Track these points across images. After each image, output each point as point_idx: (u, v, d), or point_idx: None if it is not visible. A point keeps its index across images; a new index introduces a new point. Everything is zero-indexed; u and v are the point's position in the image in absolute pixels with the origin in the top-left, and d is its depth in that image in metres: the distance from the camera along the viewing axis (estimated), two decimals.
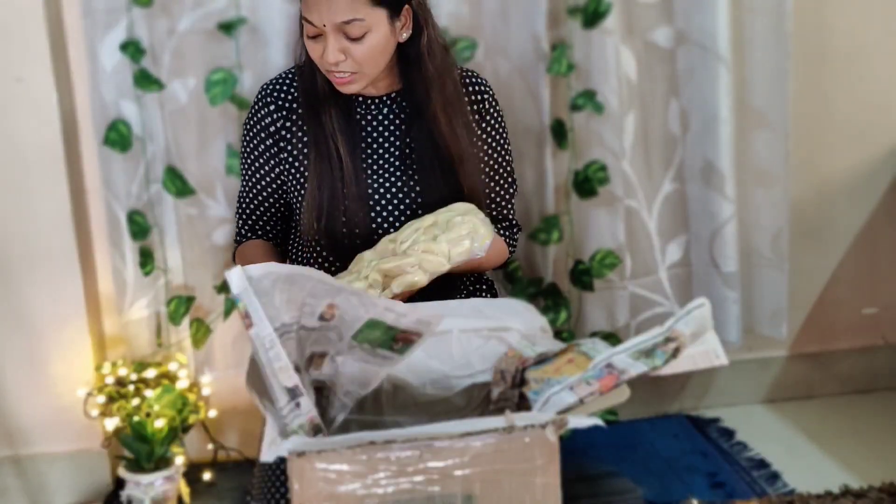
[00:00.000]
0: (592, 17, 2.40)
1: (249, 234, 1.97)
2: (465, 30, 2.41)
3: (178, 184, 2.39)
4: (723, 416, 2.78)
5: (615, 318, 2.60)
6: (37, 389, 2.40)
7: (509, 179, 1.99)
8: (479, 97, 1.91)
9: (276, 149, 1.86)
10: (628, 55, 2.49)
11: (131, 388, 2.28)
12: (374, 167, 1.85)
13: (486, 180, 1.94)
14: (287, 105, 1.85)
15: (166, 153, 2.39)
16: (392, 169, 1.85)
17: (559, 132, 2.48)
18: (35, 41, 2.27)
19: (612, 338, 2.54)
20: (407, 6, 1.76)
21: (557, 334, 2.54)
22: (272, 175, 1.89)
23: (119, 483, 2.39)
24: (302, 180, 1.85)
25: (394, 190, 1.85)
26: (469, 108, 1.89)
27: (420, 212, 1.84)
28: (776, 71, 2.53)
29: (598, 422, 1.32)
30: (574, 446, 2.44)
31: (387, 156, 1.86)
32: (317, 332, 1.45)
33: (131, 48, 2.31)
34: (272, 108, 1.85)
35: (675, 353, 1.37)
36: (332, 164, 1.81)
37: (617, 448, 2.60)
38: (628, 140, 2.51)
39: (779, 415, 2.80)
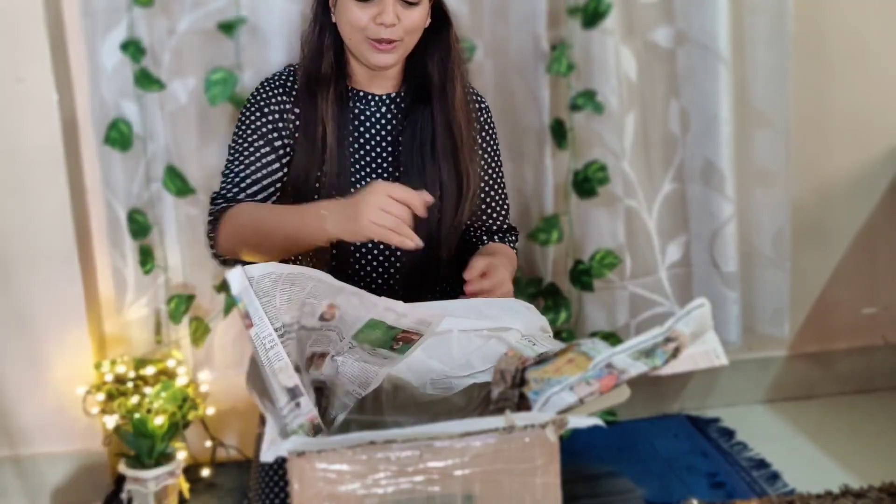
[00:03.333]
0: (592, 17, 2.40)
1: (240, 198, 1.78)
2: (465, 30, 2.41)
3: (178, 183, 2.39)
4: (723, 416, 2.78)
5: (615, 318, 2.60)
6: (37, 389, 2.40)
7: (504, 190, 2.01)
8: (477, 108, 1.94)
9: (280, 125, 1.83)
10: (628, 55, 2.49)
11: (130, 385, 2.28)
12: (361, 163, 1.85)
13: (483, 196, 1.97)
14: (293, 92, 1.84)
15: (166, 152, 2.39)
16: (379, 170, 1.85)
17: (559, 132, 2.48)
18: (35, 41, 2.27)
19: (612, 338, 2.54)
20: None
21: (557, 334, 2.54)
22: (273, 154, 1.81)
23: (119, 483, 2.39)
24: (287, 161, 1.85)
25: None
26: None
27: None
28: (776, 71, 2.53)
29: (599, 422, 1.32)
30: (574, 446, 2.44)
31: (374, 154, 1.86)
32: (317, 333, 1.45)
33: (131, 48, 2.31)
34: (279, 91, 1.84)
35: (676, 353, 1.36)
36: (315, 148, 1.80)
37: (617, 448, 2.60)
38: (628, 140, 2.51)
39: (779, 415, 2.80)
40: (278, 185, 1.82)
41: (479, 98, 1.98)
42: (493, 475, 1.27)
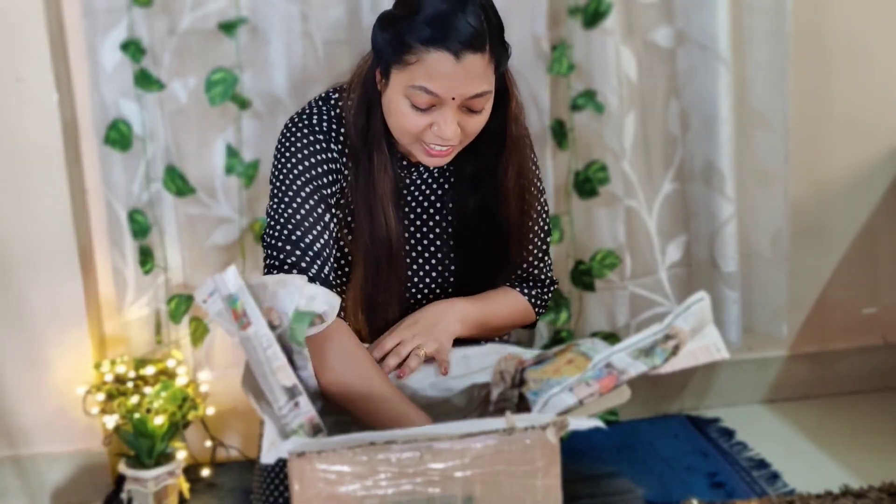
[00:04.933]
0: (593, 17, 2.40)
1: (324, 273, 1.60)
2: None
3: (178, 183, 2.39)
4: (723, 416, 2.77)
5: (615, 318, 2.60)
6: (37, 389, 2.40)
7: (546, 228, 1.83)
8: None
9: (335, 178, 1.64)
10: (628, 55, 2.49)
11: (130, 385, 2.28)
12: (410, 232, 1.75)
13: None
14: (339, 141, 1.66)
15: (166, 153, 2.39)
16: (431, 236, 1.77)
17: (559, 132, 2.48)
18: (35, 41, 2.27)
19: (613, 338, 2.54)
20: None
21: (557, 334, 2.54)
22: (334, 212, 1.64)
23: (119, 483, 2.39)
24: (350, 226, 1.70)
25: (429, 256, 1.77)
26: None
27: (451, 285, 1.77)
28: (776, 71, 2.53)
29: (599, 423, 1.32)
30: (574, 447, 2.44)
31: (427, 221, 1.77)
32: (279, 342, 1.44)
33: (132, 48, 2.31)
34: (331, 145, 1.65)
35: (675, 350, 1.36)
36: (377, 227, 1.65)
37: (617, 448, 2.60)
38: (628, 140, 2.51)
39: (779, 415, 2.80)
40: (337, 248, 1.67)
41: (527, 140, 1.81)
42: (493, 476, 1.27)
